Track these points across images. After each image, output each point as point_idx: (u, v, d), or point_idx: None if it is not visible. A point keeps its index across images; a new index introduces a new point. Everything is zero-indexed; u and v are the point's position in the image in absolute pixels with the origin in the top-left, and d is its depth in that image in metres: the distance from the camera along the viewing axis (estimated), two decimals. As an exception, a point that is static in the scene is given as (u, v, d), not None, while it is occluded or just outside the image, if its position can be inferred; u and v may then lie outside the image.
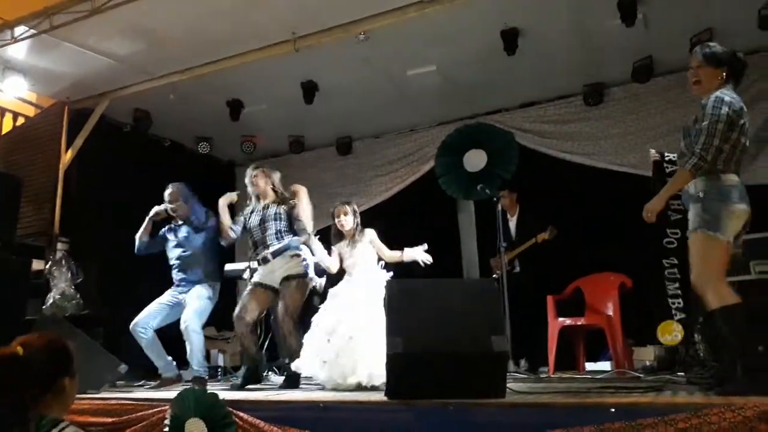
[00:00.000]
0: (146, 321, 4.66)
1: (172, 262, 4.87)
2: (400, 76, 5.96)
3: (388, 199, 7.29)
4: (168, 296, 4.80)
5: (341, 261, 4.42)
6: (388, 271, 4.30)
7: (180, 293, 4.78)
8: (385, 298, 3.02)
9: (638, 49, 5.54)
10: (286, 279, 4.38)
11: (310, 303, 4.71)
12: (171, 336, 4.76)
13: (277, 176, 4.69)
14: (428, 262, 4.32)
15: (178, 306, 4.75)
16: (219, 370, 6.08)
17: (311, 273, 4.51)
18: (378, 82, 6.10)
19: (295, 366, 4.11)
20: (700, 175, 2.86)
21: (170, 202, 4.82)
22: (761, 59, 5.28)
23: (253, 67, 5.54)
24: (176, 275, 4.84)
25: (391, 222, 6.94)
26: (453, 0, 4.65)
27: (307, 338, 4.11)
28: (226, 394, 3.21)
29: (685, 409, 2.25)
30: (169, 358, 4.73)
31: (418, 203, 7.07)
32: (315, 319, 4.19)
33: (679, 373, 4.04)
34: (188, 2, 4.69)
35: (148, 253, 4.92)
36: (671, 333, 4.29)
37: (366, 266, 4.30)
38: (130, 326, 4.63)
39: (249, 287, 4.52)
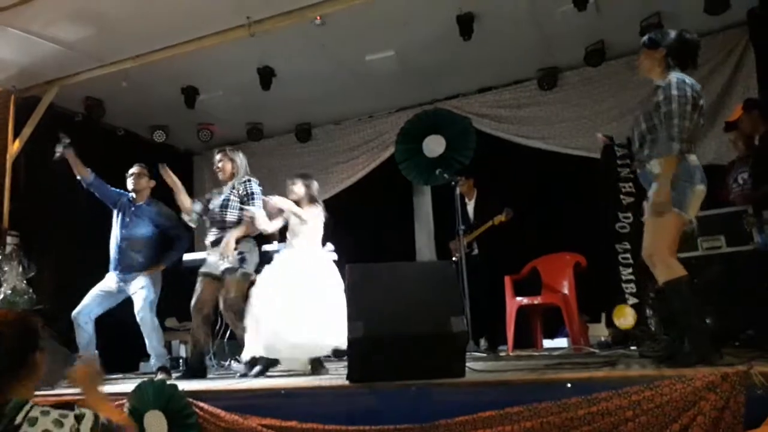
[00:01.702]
0: (89, 312, 4.61)
1: (115, 241, 4.78)
2: (358, 61, 5.93)
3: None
4: (106, 283, 4.72)
5: (286, 227, 4.37)
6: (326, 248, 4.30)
7: (120, 280, 4.71)
8: (345, 283, 3.03)
9: (590, 34, 5.63)
10: (227, 271, 4.34)
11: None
12: (126, 328, 4.72)
13: (240, 158, 4.62)
14: None
15: (119, 293, 4.71)
16: (180, 361, 6.01)
17: (249, 266, 4.44)
18: (336, 68, 6.06)
19: (244, 356, 4.08)
20: (660, 156, 2.93)
21: (134, 176, 4.83)
22: (707, 42, 5.42)
23: (208, 53, 5.42)
24: (116, 257, 4.74)
25: (348, 207, 6.97)
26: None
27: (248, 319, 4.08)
28: (185, 385, 3.18)
29: (639, 381, 2.34)
30: (96, 352, 4.65)
31: (374, 188, 7.09)
32: (253, 294, 4.14)
33: (632, 348, 4.17)
34: (139, -14, 4.57)
35: (95, 192, 4.88)
36: (625, 317, 4.42)
37: (307, 239, 4.23)
38: (72, 315, 4.57)
39: (199, 278, 4.49)
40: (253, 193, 4.43)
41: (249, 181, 4.50)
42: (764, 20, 5.19)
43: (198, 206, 4.61)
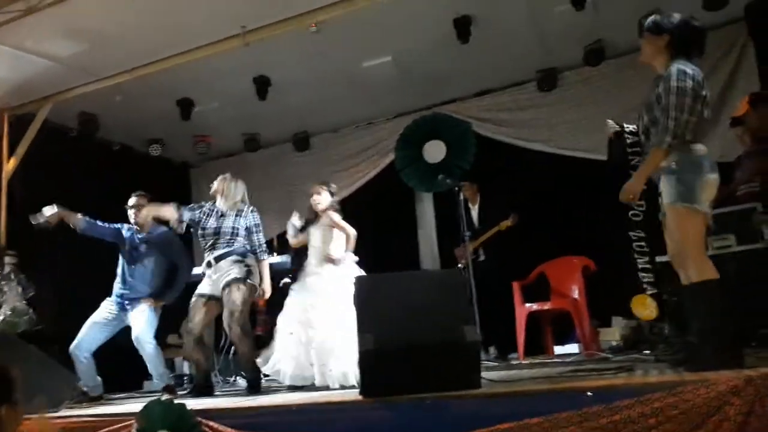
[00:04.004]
0: (88, 346, 4.51)
1: (122, 274, 4.70)
2: (355, 68, 5.89)
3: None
4: (105, 312, 4.61)
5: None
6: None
7: (119, 309, 4.61)
8: (353, 295, 2.96)
9: (589, 33, 5.60)
10: (227, 285, 4.27)
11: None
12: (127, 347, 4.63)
13: (241, 189, 4.58)
14: None
15: (116, 321, 4.61)
16: (184, 378, 5.91)
17: (255, 279, 4.39)
18: (333, 75, 6.01)
19: (259, 362, 4.11)
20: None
21: (135, 207, 4.68)
22: (707, 39, 5.39)
23: (203, 64, 5.37)
24: (120, 287, 4.67)
25: (348, 216, 6.88)
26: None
27: (277, 336, 4.16)
28: (194, 403, 3.10)
29: (660, 387, 2.26)
30: (99, 378, 4.59)
31: (375, 196, 7.02)
32: (281, 318, 4.23)
33: (644, 352, 4.10)
34: (130, -1, 4.52)
35: (92, 236, 4.72)
36: (646, 307, 4.27)
37: (328, 250, 4.33)
38: (70, 349, 4.47)
39: (193, 299, 4.40)
40: (259, 224, 4.54)
41: (254, 210, 4.55)
42: (762, 14, 5.16)
43: (187, 214, 4.49)
